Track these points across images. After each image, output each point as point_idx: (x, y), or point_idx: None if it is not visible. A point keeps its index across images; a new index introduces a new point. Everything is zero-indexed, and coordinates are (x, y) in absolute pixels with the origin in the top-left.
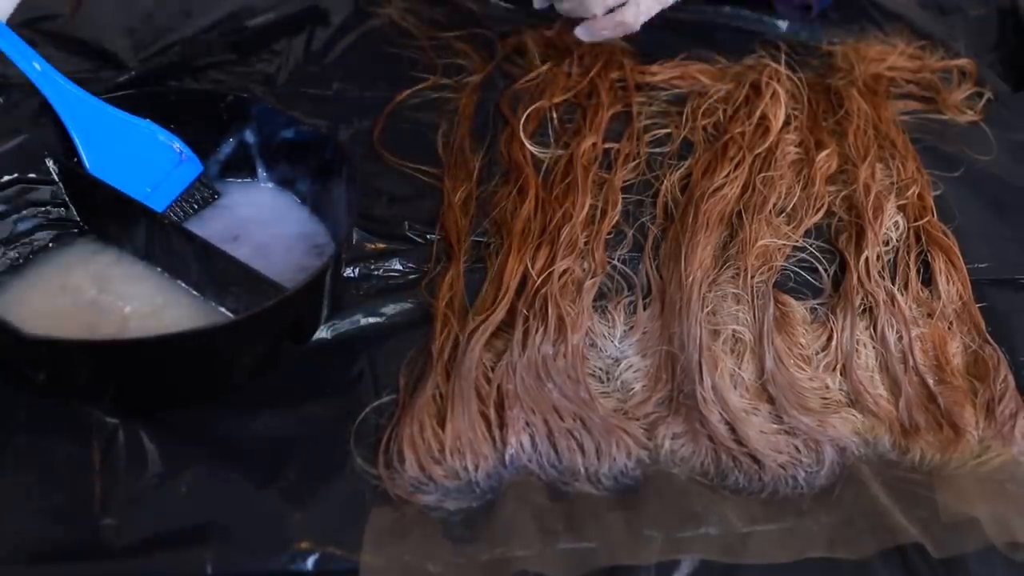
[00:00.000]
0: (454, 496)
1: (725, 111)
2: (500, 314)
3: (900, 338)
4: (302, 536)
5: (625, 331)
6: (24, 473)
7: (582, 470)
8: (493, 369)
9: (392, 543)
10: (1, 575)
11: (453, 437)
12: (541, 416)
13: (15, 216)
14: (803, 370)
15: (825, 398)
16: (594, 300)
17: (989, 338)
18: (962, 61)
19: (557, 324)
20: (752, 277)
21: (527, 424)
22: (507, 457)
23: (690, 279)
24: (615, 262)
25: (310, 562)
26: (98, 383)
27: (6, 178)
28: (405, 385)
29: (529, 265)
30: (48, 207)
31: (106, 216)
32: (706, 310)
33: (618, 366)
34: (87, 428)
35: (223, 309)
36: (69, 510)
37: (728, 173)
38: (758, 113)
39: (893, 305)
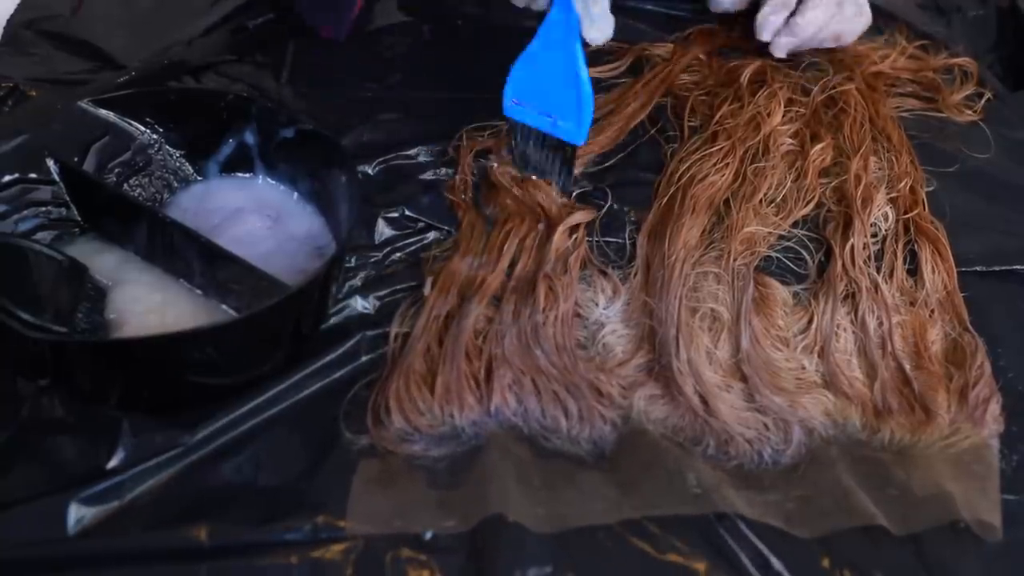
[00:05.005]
0: (439, 444)
1: (719, 103)
2: (495, 282)
3: (880, 324)
4: (296, 508)
5: (610, 297)
6: (29, 468)
7: (564, 430)
8: (484, 335)
9: (379, 492)
10: (7, 567)
11: (442, 388)
12: (529, 377)
13: (16, 216)
14: (780, 350)
15: (799, 378)
16: (581, 270)
17: (969, 326)
18: (963, 60)
19: (546, 294)
20: (735, 260)
21: (513, 383)
22: (492, 408)
23: (673, 257)
24: (604, 238)
25: (304, 532)
26: (100, 382)
27: (7, 178)
28: (395, 337)
29: (523, 241)
30: (49, 207)
31: (107, 216)
32: (686, 287)
33: (602, 330)
34: (91, 422)
35: (225, 307)
36: (73, 501)
37: (716, 163)
38: (752, 104)
39: (876, 292)
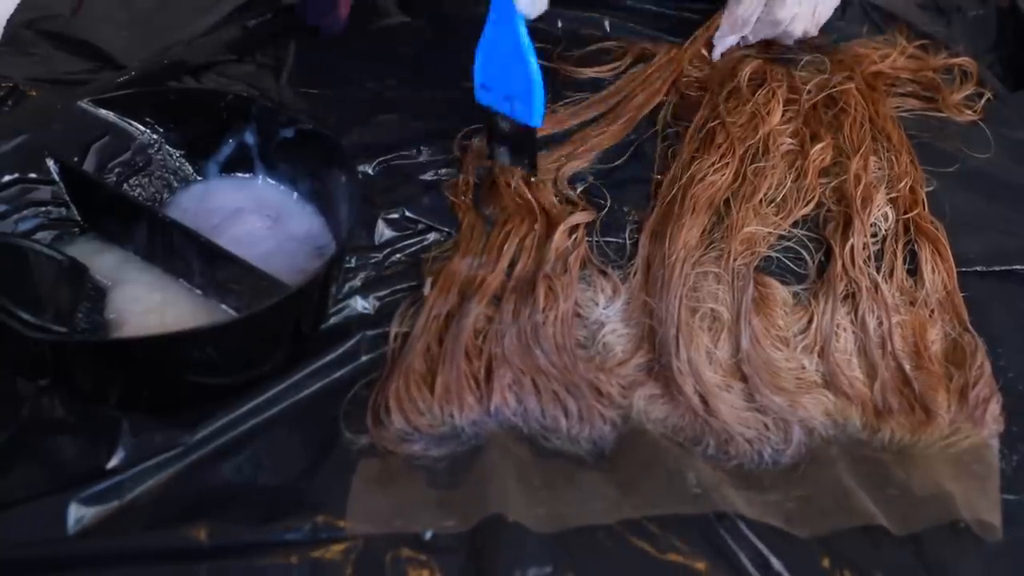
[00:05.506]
0: (439, 444)
1: (718, 101)
2: (495, 282)
3: (880, 324)
4: (296, 508)
5: (610, 297)
6: (29, 468)
7: (564, 430)
8: (484, 335)
9: (379, 492)
10: (7, 566)
11: (441, 388)
12: (529, 377)
13: (16, 216)
14: (780, 350)
15: (799, 378)
16: (581, 270)
17: (969, 326)
18: (963, 60)
19: (546, 293)
20: (735, 260)
21: (513, 383)
22: (492, 408)
23: (673, 257)
24: (605, 239)
25: (304, 532)
26: (100, 382)
27: (6, 178)
28: (395, 336)
29: (523, 241)
30: (49, 207)
31: (107, 216)
32: (686, 287)
33: (602, 329)
34: (91, 422)
35: (225, 307)
36: (73, 501)
37: (714, 163)
38: (751, 103)
39: (876, 292)
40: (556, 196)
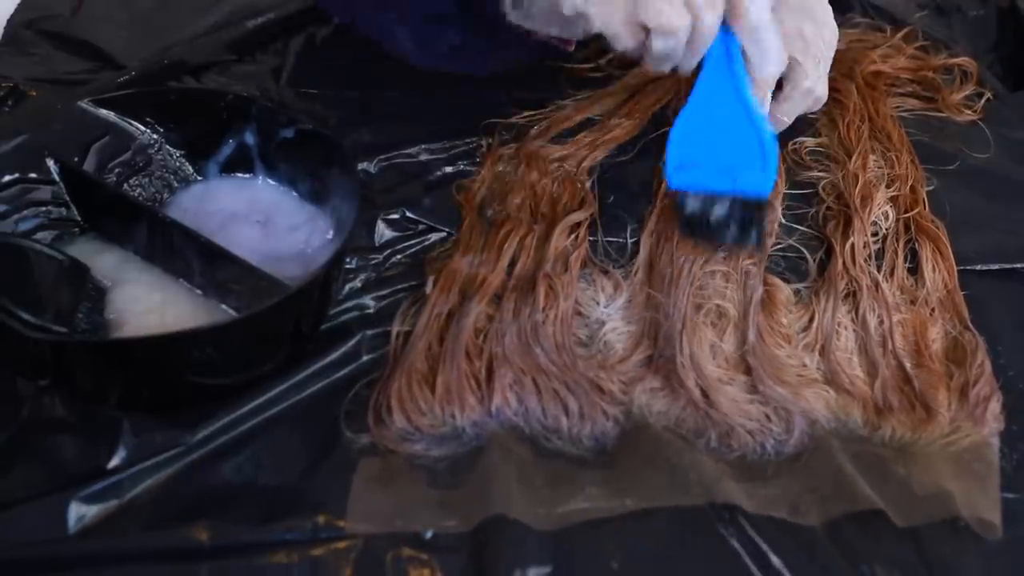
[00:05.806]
0: (440, 444)
1: None
2: (496, 281)
3: (881, 322)
4: (296, 507)
5: (611, 295)
6: (30, 467)
7: (565, 430)
8: (485, 334)
9: (379, 491)
10: (7, 566)
11: (442, 388)
12: (529, 376)
13: (16, 216)
14: (782, 347)
15: (801, 375)
16: (582, 269)
17: (970, 324)
18: (963, 60)
19: (546, 292)
20: (744, 259)
21: (514, 383)
22: (493, 408)
23: (682, 259)
24: (606, 238)
25: (304, 532)
26: (100, 382)
27: (6, 178)
28: (396, 335)
29: (523, 240)
30: (49, 207)
31: (107, 216)
32: (694, 286)
33: (603, 328)
34: (92, 422)
35: (225, 307)
36: (74, 500)
37: None
38: None
39: (877, 291)
40: (580, 188)
